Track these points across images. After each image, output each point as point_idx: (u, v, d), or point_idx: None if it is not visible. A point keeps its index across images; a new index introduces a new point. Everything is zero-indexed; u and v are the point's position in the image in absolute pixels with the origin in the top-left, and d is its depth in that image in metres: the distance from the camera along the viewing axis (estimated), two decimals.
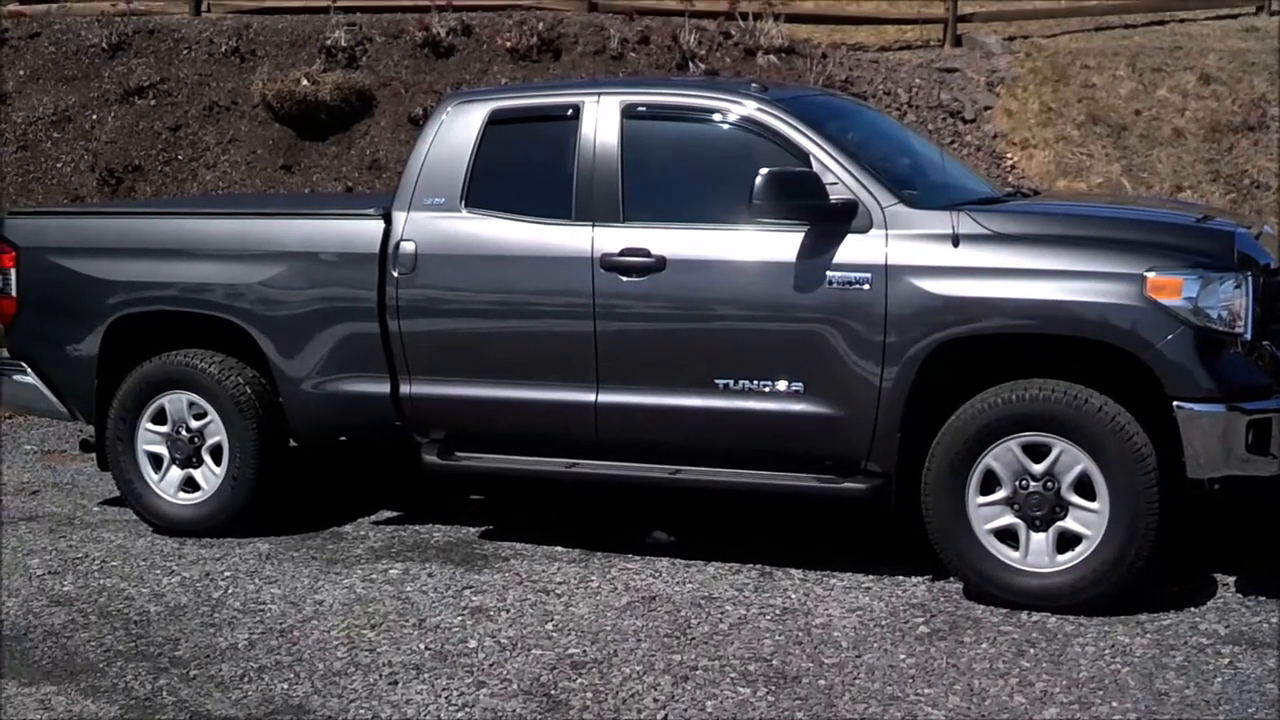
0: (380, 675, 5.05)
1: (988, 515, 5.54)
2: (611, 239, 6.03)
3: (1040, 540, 5.48)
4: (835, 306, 5.66)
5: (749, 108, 6.05)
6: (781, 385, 5.80)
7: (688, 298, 5.93)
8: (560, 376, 6.13)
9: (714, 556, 6.23)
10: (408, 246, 6.35)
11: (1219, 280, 5.31)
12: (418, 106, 11.90)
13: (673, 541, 6.55)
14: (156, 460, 6.85)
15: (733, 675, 4.95)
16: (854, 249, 5.67)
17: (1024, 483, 5.47)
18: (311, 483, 7.49)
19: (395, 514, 7.10)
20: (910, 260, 5.58)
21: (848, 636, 5.29)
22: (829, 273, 5.68)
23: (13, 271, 7.05)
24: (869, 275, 5.62)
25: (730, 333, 5.89)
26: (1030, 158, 11.44)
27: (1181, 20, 14.08)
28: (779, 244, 5.77)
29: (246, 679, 5.05)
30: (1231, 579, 5.78)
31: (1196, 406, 5.24)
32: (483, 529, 6.79)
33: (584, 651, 5.21)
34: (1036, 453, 5.45)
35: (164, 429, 6.82)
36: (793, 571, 6.03)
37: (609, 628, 5.43)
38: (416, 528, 6.85)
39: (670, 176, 6.24)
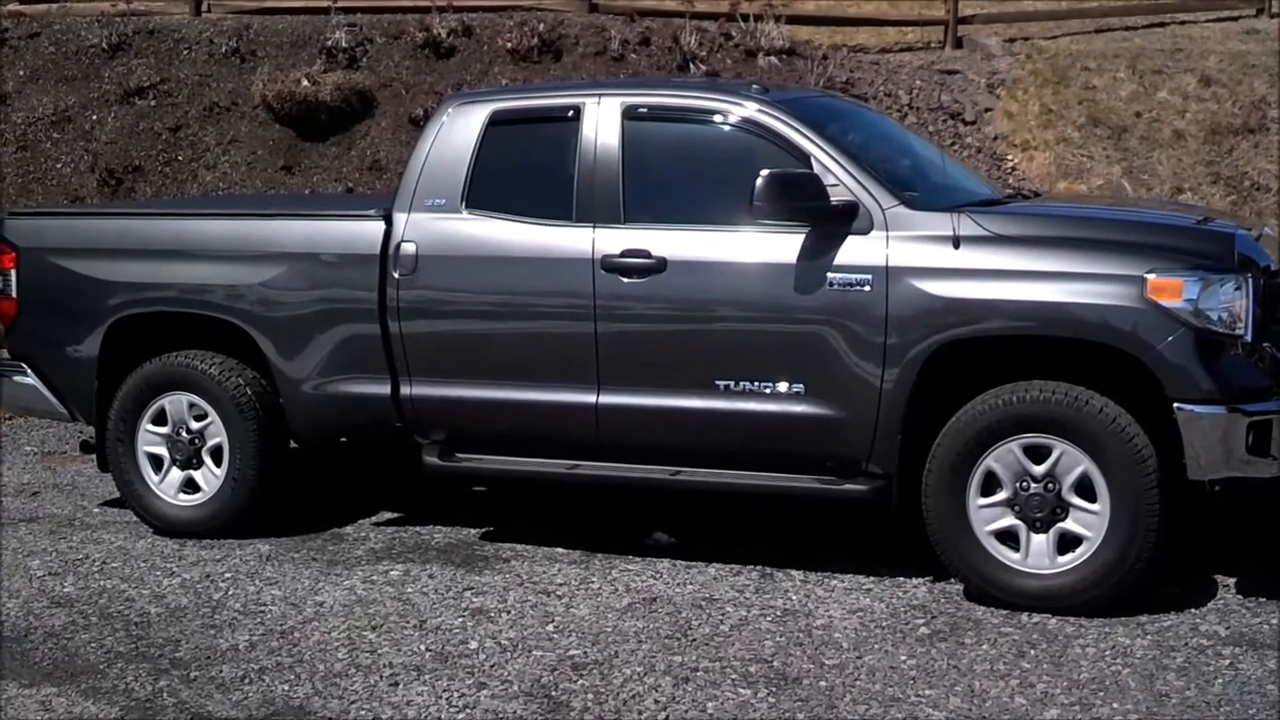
0: (381, 676, 5.05)
1: (988, 516, 5.54)
2: (612, 240, 6.03)
3: (1041, 542, 5.48)
4: (836, 308, 5.67)
5: (750, 109, 6.05)
6: (782, 387, 5.79)
7: (688, 299, 5.93)
8: (561, 378, 6.13)
9: (715, 558, 6.23)
10: (408, 247, 6.35)
11: (1219, 282, 5.32)
12: (418, 107, 11.88)
13: (673, 543, 6.55)
14: (157, 461, 6.85)
15: (734, 676, 4.95)
16: (855, 250, 5.67)
17: (1025, 484, 5.47)
18: (312, 484, 7.49)
19: (396, 515, 7.10)
20: (911, 262, 5.58)
21: (848, 638, 5.29)
22: (830, 274, 5.68)
23: (13, 272, 7.05)
24: (870, 277, 5.62)
25: (731, 334, 5.89)
26: (1030, 159, 11.43)
27: (1182, 22, 14.08)
28: (780, 245, 5.77)
29: (247, 680, 5.05)
30: (1232, 580, 5.78)
31: (1197, 408, 5.25)
32: (483, 530, 6.78)
33: (585, 653, 5.21)
34: (1037, 454, 5.45)
35: (164, 430, 6.82)
36: (793, 573, 6.03)
37: (610, 629, 5.43)
38: (417, 529, 6.85)
39: (671, 178, 6.24)
